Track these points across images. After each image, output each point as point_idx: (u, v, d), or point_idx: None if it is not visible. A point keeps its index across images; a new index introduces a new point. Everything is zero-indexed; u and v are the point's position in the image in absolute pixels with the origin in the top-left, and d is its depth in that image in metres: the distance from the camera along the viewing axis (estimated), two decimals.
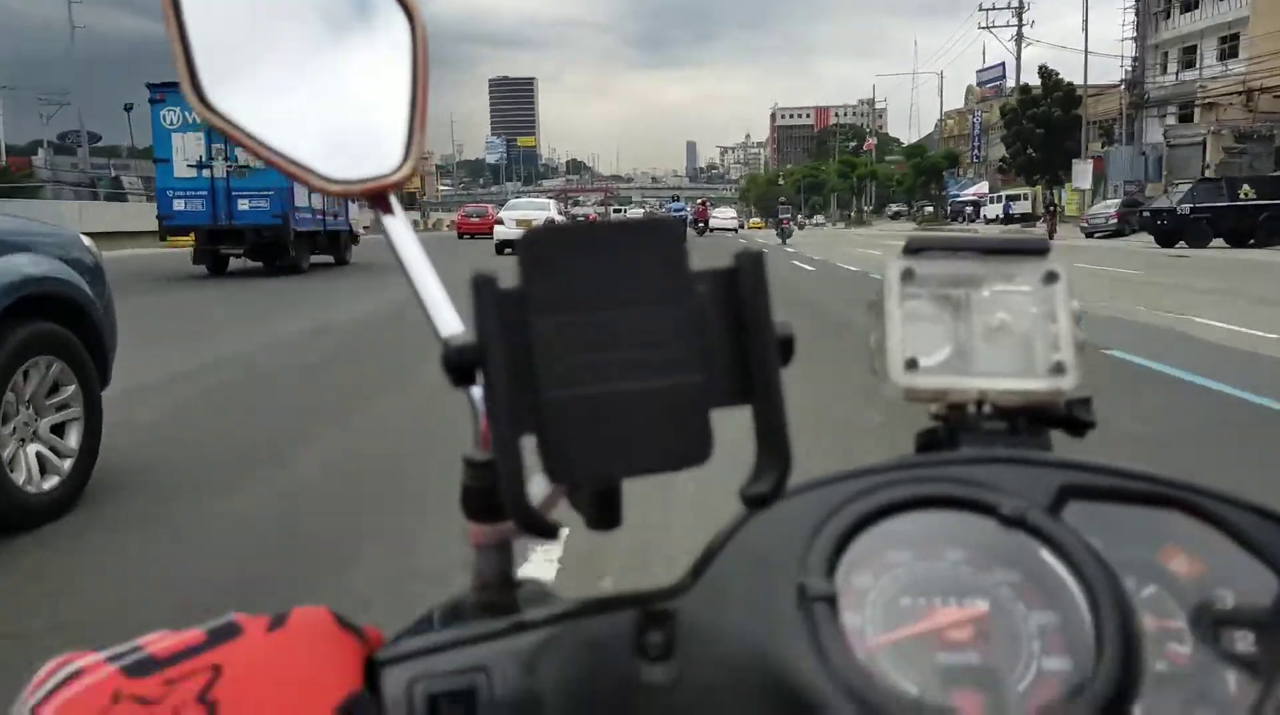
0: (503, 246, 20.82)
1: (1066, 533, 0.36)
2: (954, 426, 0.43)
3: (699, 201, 44.80)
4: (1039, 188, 45.99)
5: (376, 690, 0.33)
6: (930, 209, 65.15)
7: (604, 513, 0.33)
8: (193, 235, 15.41)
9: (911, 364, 0.41)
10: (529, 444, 0.30)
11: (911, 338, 0.42)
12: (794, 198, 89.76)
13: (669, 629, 0.34)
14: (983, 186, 60.92)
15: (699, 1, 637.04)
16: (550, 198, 25.57)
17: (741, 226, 52.18)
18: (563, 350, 0.30)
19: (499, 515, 0.36)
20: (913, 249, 0.42)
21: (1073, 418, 0.42)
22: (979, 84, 71.64)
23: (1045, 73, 44.97)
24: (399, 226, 0.44)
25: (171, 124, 14.96)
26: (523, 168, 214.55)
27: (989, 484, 0.38)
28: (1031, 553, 0.36)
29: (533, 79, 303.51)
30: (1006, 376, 0.41)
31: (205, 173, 14.89)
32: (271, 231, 14.95)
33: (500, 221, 23.02)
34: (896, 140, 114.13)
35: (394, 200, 0.44)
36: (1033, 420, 0.42)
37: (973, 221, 53.12)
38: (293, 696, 0.31)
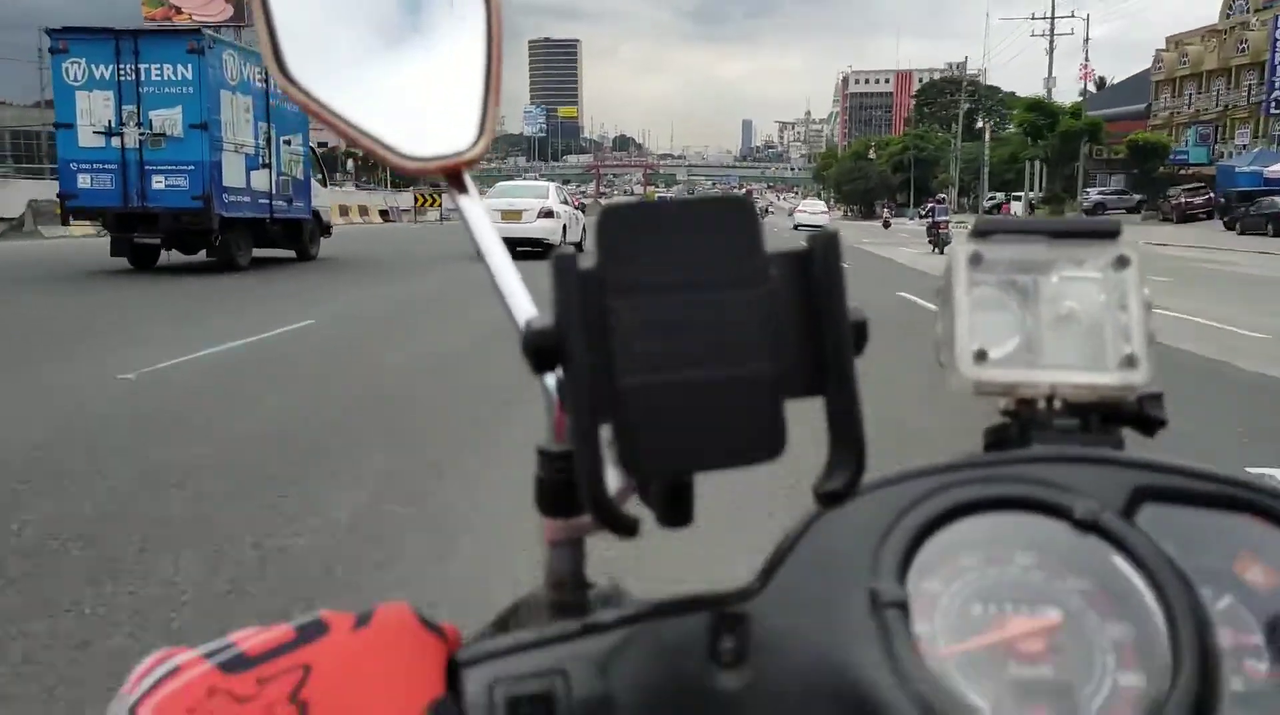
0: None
1: (1141, 539, 0.37)
2: (1025, 423, 0.43)
3: (744, 189, 37.23)
4: None
5: (457, 690, 0.35)
6: None
7: (675, 509, 0.34)
8: (101, 221, 13.36)
9: (980, 356, 0.42)
10: (604, 435, 0.31)
11: (979, 327, 0.43)
12: (890, 179, 74.44)
13: (742, 634, 0.36)
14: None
15: None
16: (554, 182, 21.30)
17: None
18: (638, 335, 0.31)
19: (575, 510, 0.38)
20: (981, 232, 0.43)
21: (1144, 415, 0.43)
22: None
23: None
24: (474, 207, 0.45)
25: (76, 80, 12.84)
26: (560, 141, 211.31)
27: (1062, 485, 0.39)
28: (1104, 559, 0.37)
29: (576, 41, 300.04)
30: (1077, 369, 0.42)
31: (114, 141, 12.76)
32: (191, 216, 12.76)
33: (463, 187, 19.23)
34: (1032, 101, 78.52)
35: (469, 179, 0.46)
36: (1105, 417, 0.43)
37: None
38: (380, 698, 0.33)
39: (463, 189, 0.45)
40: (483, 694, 0.34)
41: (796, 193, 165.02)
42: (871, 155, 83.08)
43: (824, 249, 0.32)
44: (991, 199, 57.67)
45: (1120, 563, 0.36)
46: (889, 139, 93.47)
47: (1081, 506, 0.37)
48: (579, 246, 18.42)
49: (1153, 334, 0.42)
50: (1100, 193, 46.68)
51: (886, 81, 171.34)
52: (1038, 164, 49.53)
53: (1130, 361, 0.42)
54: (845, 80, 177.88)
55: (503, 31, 0.48)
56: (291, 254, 15.83)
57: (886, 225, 45.80)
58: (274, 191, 14.58)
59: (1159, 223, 40.04)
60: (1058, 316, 0.43)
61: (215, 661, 0.34)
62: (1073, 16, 67.75)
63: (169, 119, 12.72)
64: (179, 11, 16.96)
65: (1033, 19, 56.84)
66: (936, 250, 21.35)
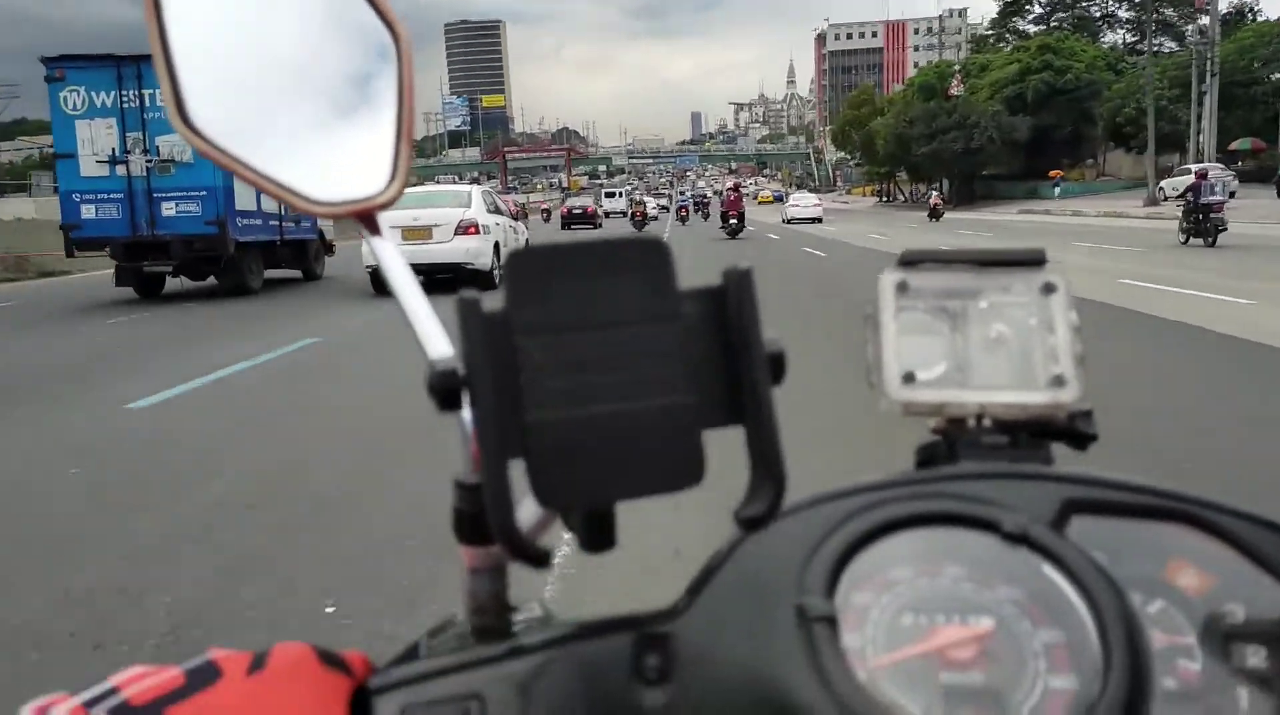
0: (381, 274, 13.72)
1: (1070, 549, 0.40)
2: (954, 441, 0.48)
3: (729, 186, 29.55)
4: None
5: None
6: None
7: (598, 535, 0.37)
8: (108, 250, 14.23)
9: (909, 378, 0.47)
10: (518, 468, 0.34)
11: (908, 351, 0.47)
12: (1013, 125, 48.53)
13: (666, 652, 0.39)
14: None
15: None
16: (475, 180, 18.79)
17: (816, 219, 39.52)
18: (550, 372, 0.34)
19: (491, 539, 0.39)
20: (907, 261, 0.48)
21: (1074, 430, 0.47)
22: None
23: None
24: (387, 248, 0.49)
25: (75, 109, 13.76)
26: (485, 134, 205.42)
27: (991, 500, 0.42)
28: (1035, 569, 0.40)
29: (499, 23, 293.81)
30: (1006, 389, 0.46)
31: (120, 169, 13.72)
32: (205, 242, 13.75)
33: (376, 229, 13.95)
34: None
35: (382, 221, 0.50)
36: (1034, 434, 0.47)
37: None
38: None
39: (376, 231, 0.50)
40: None
41: (770, 175, 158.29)
42: (956, 90, 53.01)
43: (738, 285, 0.36)
44: (1241, 144, 38.53)
45: (1050, 572, 0.40)
46: (987, 59, 58.09)
47: (1010, 520, 0.41)
48: None
49: (1081, 355, 0.46)
50: None
51: (874, 35, 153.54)
52: None
53: (1059, 381, 0.46)
54: (821, 38, 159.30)
55: (413, 75, 0.52)
56: (298, 274, 16.89)
57: (936, 215, 37.32)
58: (284, 212, 15.53)
59: None
60: (987, 340, 0.47)
61: (97, 711, 0.34)
62: None
63: (178, 145, 13.65)
64: None
65: None
66: (1206, 241, 16.26)
